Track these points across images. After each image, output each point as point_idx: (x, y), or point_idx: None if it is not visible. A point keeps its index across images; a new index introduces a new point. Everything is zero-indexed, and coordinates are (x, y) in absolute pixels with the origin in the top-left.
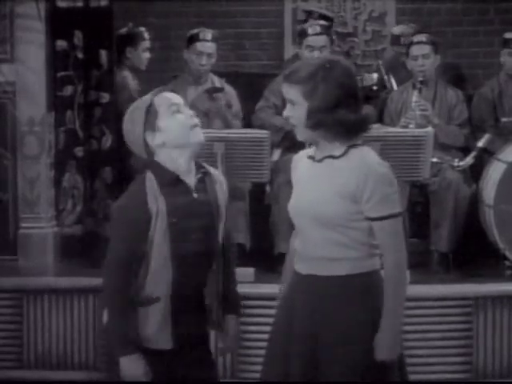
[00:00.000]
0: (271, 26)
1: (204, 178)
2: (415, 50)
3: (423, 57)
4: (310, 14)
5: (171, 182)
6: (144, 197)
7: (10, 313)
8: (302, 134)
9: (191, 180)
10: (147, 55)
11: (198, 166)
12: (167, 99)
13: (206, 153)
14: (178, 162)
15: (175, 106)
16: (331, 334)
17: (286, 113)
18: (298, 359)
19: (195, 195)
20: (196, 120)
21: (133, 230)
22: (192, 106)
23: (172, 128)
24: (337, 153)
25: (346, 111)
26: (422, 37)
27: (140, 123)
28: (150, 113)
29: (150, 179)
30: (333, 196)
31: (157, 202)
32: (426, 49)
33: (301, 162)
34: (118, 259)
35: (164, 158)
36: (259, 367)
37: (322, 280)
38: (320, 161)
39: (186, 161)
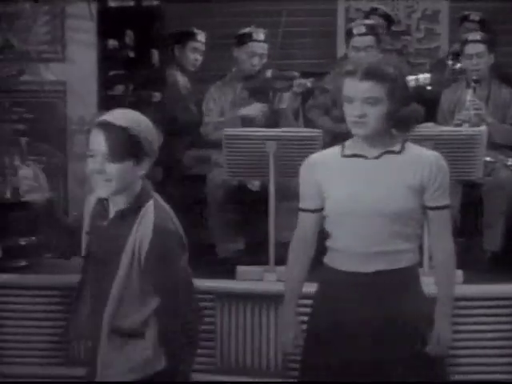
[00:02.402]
0: (324, 24)
1: (126, 215)
2: (469, 49)
3: (477, 55)
4: (373, 11)
5: (101, 203)
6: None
7: None
8: (371, 132)
9: (115, 206)
10: (196, 56)
11: (138, 199)
12: (90, 142)
13: (257, 152)
14: None
15: (90, 153)
16: (395, 326)
17: (359, 111)
18: (361, 355)
19: (106, 223)
20: (99, 176)
21: None
22: (242, 104)
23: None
24: (395, 148)
25: (409, 107)
26: (477, 35)
27: None
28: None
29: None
30: (402, 190)
31: (89, 203)
32: (481, 47)
33: (331, 161)
34: None
35: None
36: None
37: (383, 274)
38: (377, 157)
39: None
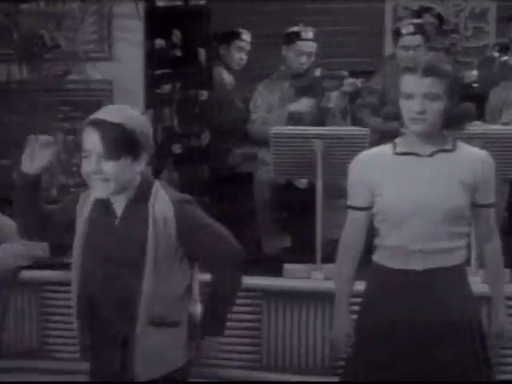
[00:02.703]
0: (371, 23)
1: (136, 204)
2: None
3: None
4: (426, 10)
5: (101, 202)
6: (74, 204)
7: None
8: (429, 128)
9: (121, 204)
10: (242, 55)
11: (141, 187)
12: (84, 142)
13: (305, 150)
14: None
15: (85, 153)
16: (445, 324)
17: (419, 107)
18: (410, 353)
19: (117, 222)
20: (95, 176)
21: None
22: (290, 102)
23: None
24: (448, 146)
25: (463, 105)
26: None
27: None
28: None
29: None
30: (456, 188)
31: (83, 204)
32: None
33: (383, 159)
34: None
35: None
36: None
37: (434, 272)
38: (431, 155)
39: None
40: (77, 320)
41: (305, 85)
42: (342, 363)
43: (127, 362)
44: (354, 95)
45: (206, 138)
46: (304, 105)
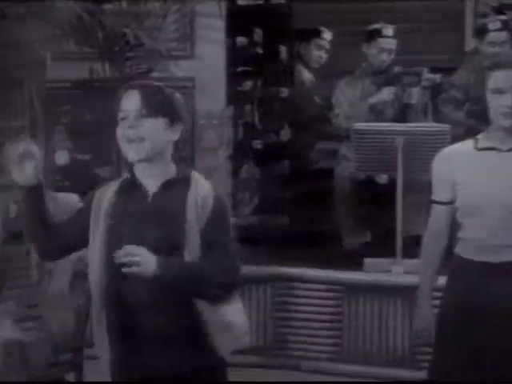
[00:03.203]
0: (452, 19)
1: (174, 184)
2: None
3: None
4: (507, 7)
5: (129, 183)
6: (88, 205)
7: None
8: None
9: (153, 184)
10: (321, 53)
11: (179, 170)
12: (122, 103)
13: (386, 146)
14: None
15: (123, 113)
16: None
17: (511, 102)
18: (492, 344)
19: (149, 200)
20: (131, 131)
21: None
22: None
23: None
24: None
25: None
26: None
27: None
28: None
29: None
30: None
31: (101, 197)
32: None
33: (465, 154)
34: None
35: None
36: None
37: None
38: (510, 150)
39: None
40: (99, 310)
41: (386, 81)
42: (422, 356)
43: (165, 351)
44: (435, 91)
45: (286, 134)
46: (386, 93)
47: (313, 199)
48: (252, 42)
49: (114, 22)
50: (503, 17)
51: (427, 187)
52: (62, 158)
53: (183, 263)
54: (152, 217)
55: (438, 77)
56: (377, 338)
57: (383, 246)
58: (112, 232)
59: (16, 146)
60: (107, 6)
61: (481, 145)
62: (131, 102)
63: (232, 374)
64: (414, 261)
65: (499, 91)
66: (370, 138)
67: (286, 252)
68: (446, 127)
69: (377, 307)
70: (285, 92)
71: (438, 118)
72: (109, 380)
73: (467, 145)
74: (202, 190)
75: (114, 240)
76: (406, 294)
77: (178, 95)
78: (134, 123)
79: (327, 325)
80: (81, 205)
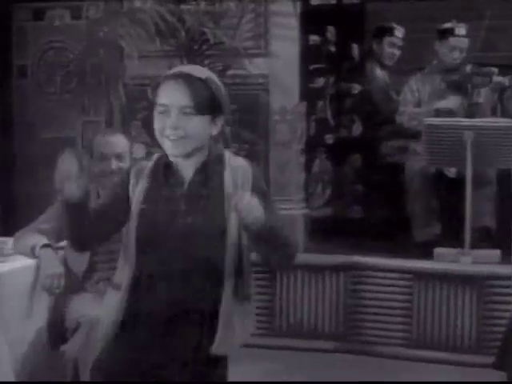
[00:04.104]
0: None
1: (208, 167)
2: None
3: None
4: None
5: (163, 168)
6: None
7: (264, 285)
8: None
9: (190, 168)
10: (394, 50)
11: (212, 152)
12: (161, 95)
13: (456, 140)
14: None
15: (162, 108)
16: None
17: None
18: None
19: (186, 187)
20: (173, 132)
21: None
22: (440, 96)
23: (154, 126)
24: None
25: None
26: None
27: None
28: (153, 97)
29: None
30: None
31: (136, 183)
32: None
33: None
34: None
35: None
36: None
37: None
38: None
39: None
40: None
41: (456, 80)
42: (487, 343)
43: (205, 337)
44: (503, 90)
45: (358, 128)
46: (452, 102)
47: (384, 192)
48: (325, 40)
49: (193, 21)
50: None
51: (494, 180)
52: (139, 151)
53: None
54: (189, 204)
55: (506, 80)
56: (445, 324)
57: (453, 237)
58: (144, 217)
59: (60, 165)
60: (185, 7)
61: None
62: (174, 95)
63: (309, 357)
64: (482, 251)
65: None
66: (441, 133)
67: (359, 242)
68: None
69: (445, 295)
70: (356, 88)
71: (507, 115)
72: None
73: None
74: (236, 164)
75: (146, 226)
76: (473, 283)
77: (221, 86)
78: (177, 122)
79: (398, 312)
80: (116, 188)
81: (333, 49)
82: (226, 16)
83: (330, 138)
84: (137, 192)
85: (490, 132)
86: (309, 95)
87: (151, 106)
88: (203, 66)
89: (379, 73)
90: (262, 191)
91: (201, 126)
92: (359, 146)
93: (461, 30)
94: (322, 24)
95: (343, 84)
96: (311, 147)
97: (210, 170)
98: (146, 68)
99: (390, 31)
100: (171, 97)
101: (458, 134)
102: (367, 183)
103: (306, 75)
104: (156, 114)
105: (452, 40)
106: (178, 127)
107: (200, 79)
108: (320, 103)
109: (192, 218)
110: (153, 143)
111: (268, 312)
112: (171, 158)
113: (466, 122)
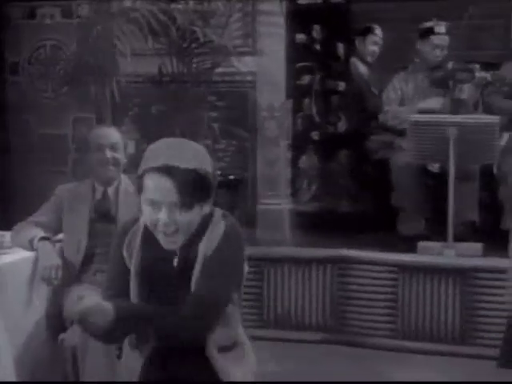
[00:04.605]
0: (500, 17)
1: (193, 239)
2: None
3: None
4: None
5: (154, 240)
6: (122, 245)
7: (252, 278)
8: None
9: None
10: (375, 48)
11: (202, 222)
12: (150, 190)
13: (439, 137)
14: None
15: (153, 203)
16: None
17: None
18: None
19: (175, 263)
20: (166, 228)
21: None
22: (424, 94)
23: (144, 217)
24: None
25: None
26: None
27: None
28: (138, 185)
29: (139, 226)
30: None
31: (130, 256)
32: None
33: None
34: None
35: None
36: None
37: None
38: None
39: None
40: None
41: (439, 77)
42: (473, 332)
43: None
44: (484, 86)
45: (343, 125)
46: (435, 103)
47: (370, 187)
48: (311, 38)
49: (183, 20)
50: None
51: (477, 175)
52: (129, 147)
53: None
54: (176, 280)
55: (488, 75)
56: (429, 315)
57: (437, 231)
58: (143, 280)
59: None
60: (175, 6)
61: None
62: (162, 190)
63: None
64: (465, 244)
65: None
66: (425, 129)
67: (345, 236)
68: (495, 119)
69: (429, 287)
70: (342, 86)
71: (488, 110)
72: None
73: None
74: (215, 231)
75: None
76: (457, 275)
77: (207, 161)
78: (170, 219)
79: (383, 303)
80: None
81: (319, 47)
82: (215, 15)
83: (316, 135)
84: (133, 259)
85: (472, 128)
86: (295, 92)
87: (143, 103)
88: (193, 64)
89: (362, 69)
90: (224, 256)
91: (192, 217)
92: (345, 142)
93: (441, 28)
94: (309, 23)
95: (329, 81)
96: (298, 143)
97: (192, 242)
98: (138, 66)
99: (371, 30)
100: (159, 193)
101: (442, 130)
102: (353, 178)
103: (293, 73)
104: (144, 206)
105: (433, 38)
106: (169, 224)
107: (188, 171)
108: (306, 100)
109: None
110: (143, 140)
111: (256, 304)
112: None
113: (450, 118)
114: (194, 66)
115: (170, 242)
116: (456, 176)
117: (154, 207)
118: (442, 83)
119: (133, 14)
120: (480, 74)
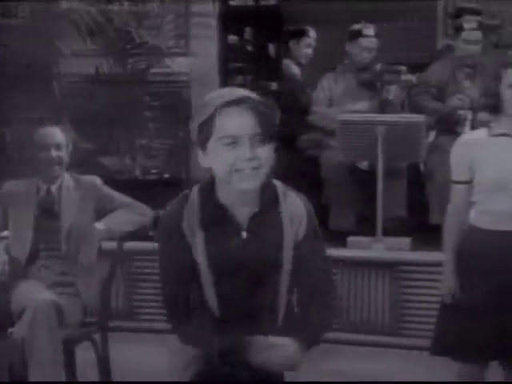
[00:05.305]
0: (425, 19)
1: (265, 210)
2: None
3: None
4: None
5: (215, 214)
6: (180, 223)
7: None
8: None
9: (244, 214)
10: (308, 51)
11: (265, 191)
12: (226, 126)
13: (368, 135)
14: (227, 191)
15: (231, 139)
16: None
17: None
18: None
19: (244, 235)
20: (248, 164)
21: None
22: (352, 94)
23: (217, 162)
24: None
25: None
26: None
27: (194, 133)
28: (204, 129)
29: (193, 200)
30: None
31: (194, 235)
32: None
33: (481, 140)
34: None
35: (217, 179)
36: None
37: None
38: None
39: (238, 193)
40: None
41: (366, 78)
42: (406, 324)
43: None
44: (411, 88)
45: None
46: (364, 106)
47: (301, 184)
48: (243, 39)
49: (119, 21)
50: (478, 17)
51: (405, 172)
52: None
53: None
54: (246, 253)
55: (414, 78)
56: (360, 307)
57: (367, 226)
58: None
59: None
60: (112, 7)
61: (494, 132)
62: (241, 124)
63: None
64: (394, 239)
65: None
66: (354, 128)
67: None
68: (421, 118)
69: (360, 281)
70: (274, 86)
71: (414, 110)
72: None
73: (481, 132)
74: (294, 206)
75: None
76: (385, 268)
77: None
78: (253, 153)
79: None
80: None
81: (251, 48)
82: (149, 16)
83: None
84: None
85: (399, 127)
86: None
87: (81, 103)
88: (128, 64)
89: (295, 71)
90: (315, 230)
91: (270, 154)
92: (277, 141)
93: (369, 30)
94: (241, 24)
95: (261, 82)
96: None
97: (265, 213)
98: (77, 66)
99: (306, 33)
100: (239, 127)
101: (370, 129)
102: (285, 176)
103: (226, 74)
104: (220, 146)
105: (361, 40)
106: (253, 158)
107: (263, 102)
108: None
109: (253, 271)
110: (80, 139)
111: None
112: (224, 202)
113: (378, 117)
114: (130, 66)
115: (252, 180)
116: (385, 173)
117: (233, 145)
118: (370, 84)
119: (72, 16)
120: (406, 77)
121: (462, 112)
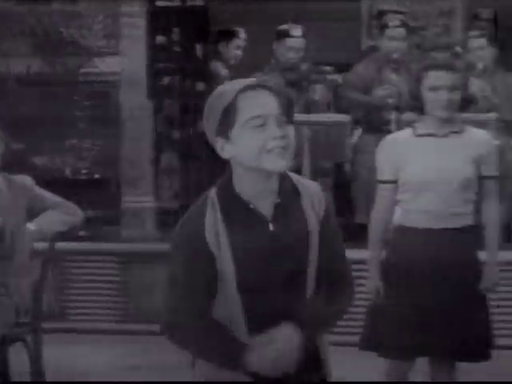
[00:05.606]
0: (349, 20)
1: (286, 199)
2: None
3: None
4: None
5: (238, 211)
6: (202, 229)
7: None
8: (453, 114)
9: (267, 206)
10: (238, 52)
11: (283, 182)
12: (252, 107)
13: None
14: (249, 183)
15: (259, 120)
16: (466, 270)
17: (447, 97)
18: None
19: (271, 227)
20: (278, 142)
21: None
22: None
23: (244, 147)
24: (457, 128)
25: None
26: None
27: (214, 125)
28: (227, 116)
29: (213, 201)
30: (467, 163)
31: (217, 238)
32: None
33: (406, 140)
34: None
35: (236, 173)
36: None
37: (455, 231)
38: (445, 136)
39: (262, 182)
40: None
41: (293, 78)
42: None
43: None
44: (336, 88)
45: (202, 124)
46: None
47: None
48: (170, 40)
49: (48, 21)
50: (401, 15)
51: (331, 172)
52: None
53: None
54: (274, 244)
55: (339, 77)
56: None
57: None
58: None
59: None
60: (41, 6)
61: (419, 132)
62: (269, 105)
63: None
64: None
65: (435, 88)
66: None
67: None
68: (346, 118)
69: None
70: (200, 86)
71: (340, 106)
72: None
73: (406, 133)
74: (310, 189)
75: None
76: None
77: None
78: (282, 131)
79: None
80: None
81: (178, 49)
82: (80, 16)
83: (176, 134)
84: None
85: (324, 127)
86: (157, 93)
87: (11, 104)
88: (57, 64)
89: (224, 72)
90: (332, 209)
91: (294, 133)
92: (204, 141)
93: (296, 31)
94: (168, 25)
95: (187, 82)
96: (159, 143)
97: (288, 203)
98: (7, 66)
99: (236, 34)
100: (265, 106)
101: (296, 129)
102: (211, 176)
103: (154, 74)
104: (247, 130)
105: (288, 41)
106: (283, 136)
107: (279, 85)
108: (167, 101)
109: (284, 263)
110: (11, 139)
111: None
112: (246, 197)
113: (303, 117)
114: (60, 66)
115: (283, 158)
116: (311, 173)
117: (261, 126)
118: (296, 84)
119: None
120: (332, 77)
121: (390, 101)
